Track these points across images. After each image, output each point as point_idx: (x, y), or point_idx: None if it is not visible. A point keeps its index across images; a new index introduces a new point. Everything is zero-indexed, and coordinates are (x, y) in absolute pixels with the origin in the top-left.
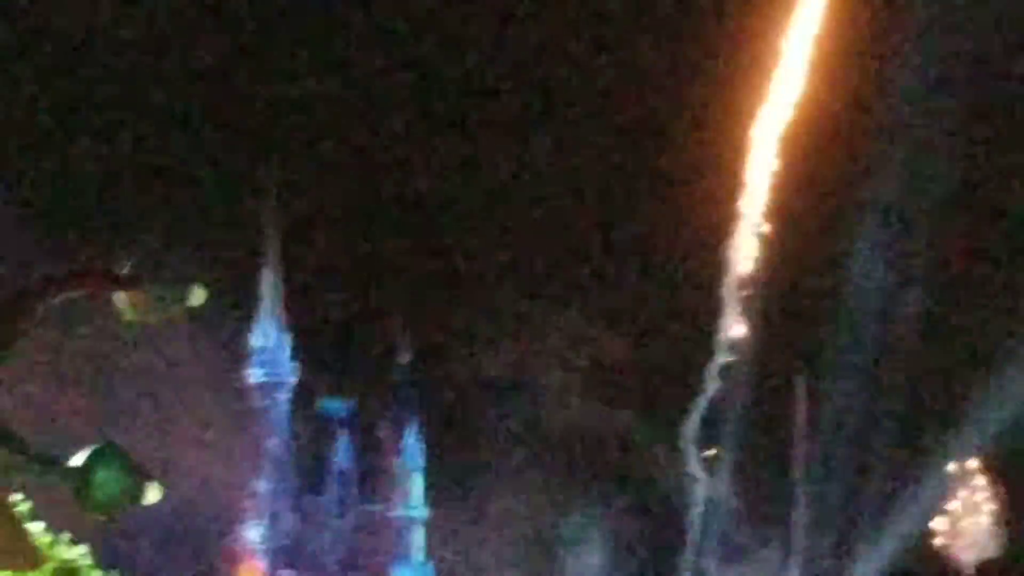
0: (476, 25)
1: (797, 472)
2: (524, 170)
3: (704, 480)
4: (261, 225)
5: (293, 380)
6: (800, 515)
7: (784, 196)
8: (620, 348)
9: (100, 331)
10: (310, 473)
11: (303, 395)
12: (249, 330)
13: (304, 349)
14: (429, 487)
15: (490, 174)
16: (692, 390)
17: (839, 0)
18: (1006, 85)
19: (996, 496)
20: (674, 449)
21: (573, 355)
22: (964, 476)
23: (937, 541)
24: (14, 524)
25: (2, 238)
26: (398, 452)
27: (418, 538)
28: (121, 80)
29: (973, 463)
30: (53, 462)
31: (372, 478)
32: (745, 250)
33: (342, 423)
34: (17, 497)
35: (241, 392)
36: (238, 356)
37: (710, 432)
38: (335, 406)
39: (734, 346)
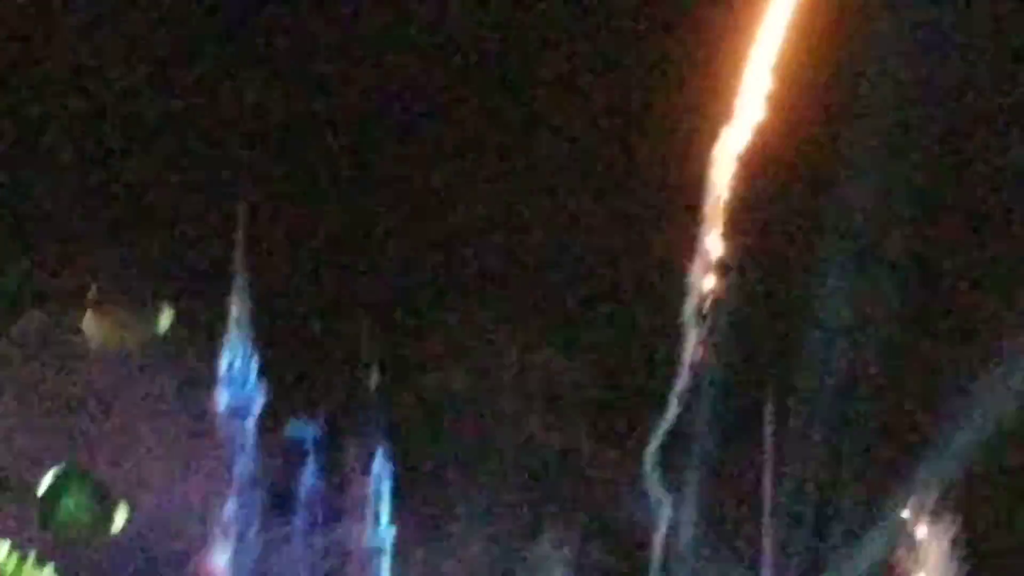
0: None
1: (764, 498)
2: (488, 195)
3: (668, 506)
4: (229, 248)
5: (260, 403)
6: (767, 542)
7: (747, 218)
8: (583, 371)
9: (66, 353)
10: (277, 497)
11: (270, 418)
12: (216, 353)
13: (271, 372)
14: (396, 511)
15: (455, 199)
16: (655, 414)
17: (805, 23)
18: (980, 103)
19: (961, 525)
20: (637, 474)
21: (536, 378)
22: (930, 505)
23: (901, 569)
24: None
25: None
26: (366, 476)
27: (385, 562)
28: (87, 97)
29: (939, 491)
30: (23, 487)
31: (340, 502)
32: (709, 272)
33: (309, 447)
34: None
35: (208, 415)
36: (205, 379)
37: (674, 457)
38: (302, 430)
39: (698, 370)
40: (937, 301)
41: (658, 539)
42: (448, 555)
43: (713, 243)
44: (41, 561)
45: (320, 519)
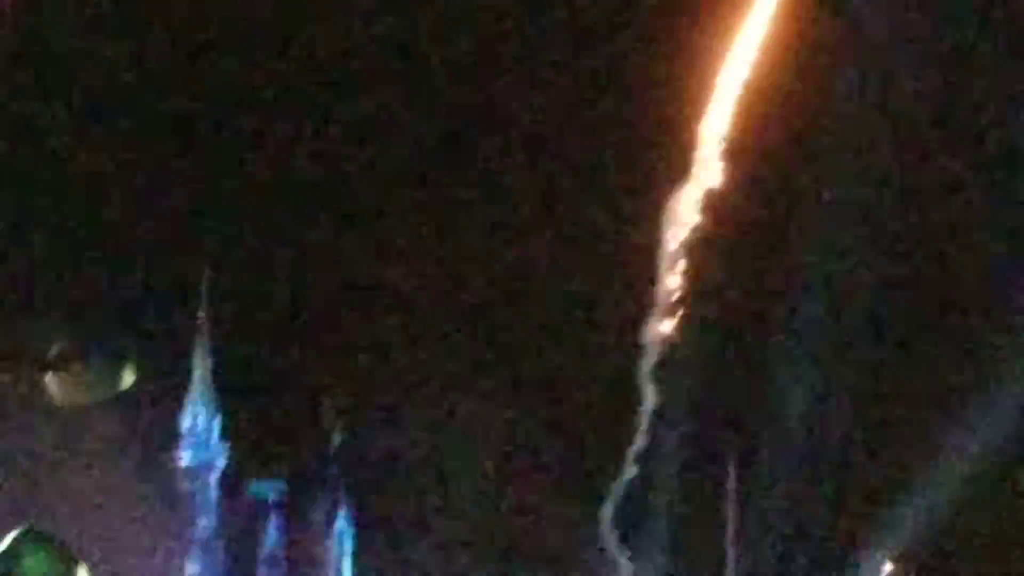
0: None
1: (728, 557)
2: (442, 251)
3: (627, 563)
4: (192, 306)
5: (223, 462)
6: None
7: (706, 266)
8: (540, 427)
9: (26, 411)
10: (240, 556)
11: (233, 477)
12: (178, 411)
13: (234, 430)
14: (358, 570)
15: (410, 258)
16: (613, 470)
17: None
18: (956, 116)
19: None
20: (595, 531)
21: (493, 435)
22: (899, 557)
23: None
24: None
25: None
26: (328, 536)
27: None
28: (45, 149)
29: (909, 544)
30: None
31: (302, 561)
32: (668, 323)
33: (272, 506)
34: None
35: (170, 473)
36: (167, 437)
37: (633, 514)
38: (265, 488)
39: (658, 425)
40: (905, 353)
41: None
42: None
43: (672, 293)
44: None
45: None
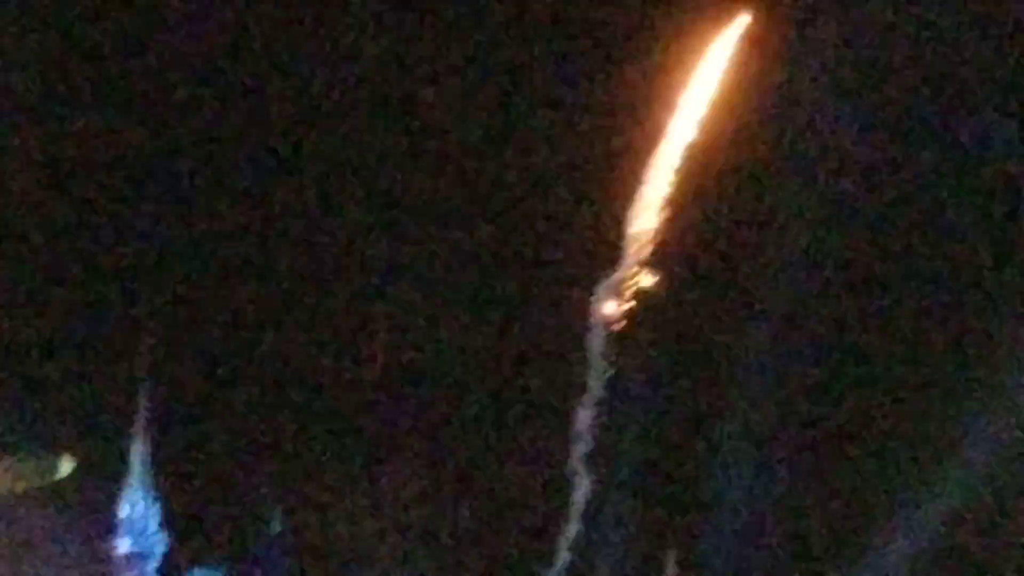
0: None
1: None
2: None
3: None
4: (131, 394)
5: (162, 550)
6: None
7: (633, 363)
8: (470, 516)
9: None
10: None
11: (172, 566)
12: (117, 499)
13: (174, 518)
14: None
15: (344, 341)
16: (543, 565)
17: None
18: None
19: None
20: None
21: (419, 522)
22: None
23: None
24: None
25: None
26: None
27: None
28: None
29: None
30: None
31: None
32: (598, 411)
33: None
34: None
35: (109, 562)
36: (105, 525)
37: None
38: None
39: (590, 515)
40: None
41: None
42: None
43: (601, 379)
44: None
45: None
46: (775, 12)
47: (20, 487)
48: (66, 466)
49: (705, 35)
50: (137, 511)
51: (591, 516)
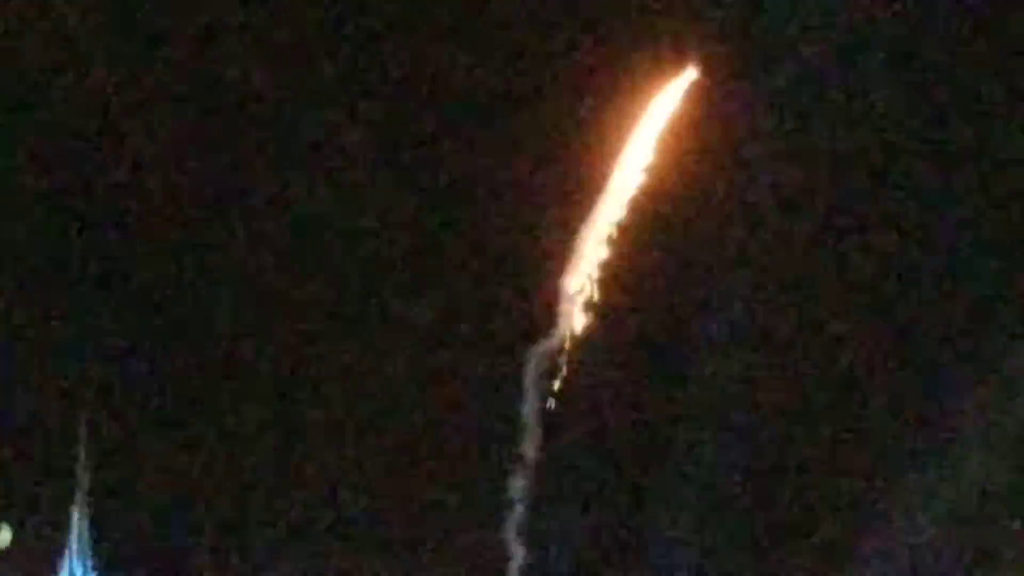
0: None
1: None
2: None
3: None
4: (70, 465)
5: None
6: None
7: (569, 431)
8: None
9: None
10: None
11: None
12: (56, 569)
13: None
14: None
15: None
16: None
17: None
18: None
19: None
20: None
21: None
22: None
23: None
24: None
25: None
26: None
27: None
28: None
29: None
30: None
31: None
32: (532, 483)
33: None
34: None
35: None
36: None
37: None
38: None
39: None
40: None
41: None
42: None
43: (535, 447)
44: None
45: None
46: (723, 67)
47: None
48: (3, 536)
49: (648, 92)
50: None
51: None
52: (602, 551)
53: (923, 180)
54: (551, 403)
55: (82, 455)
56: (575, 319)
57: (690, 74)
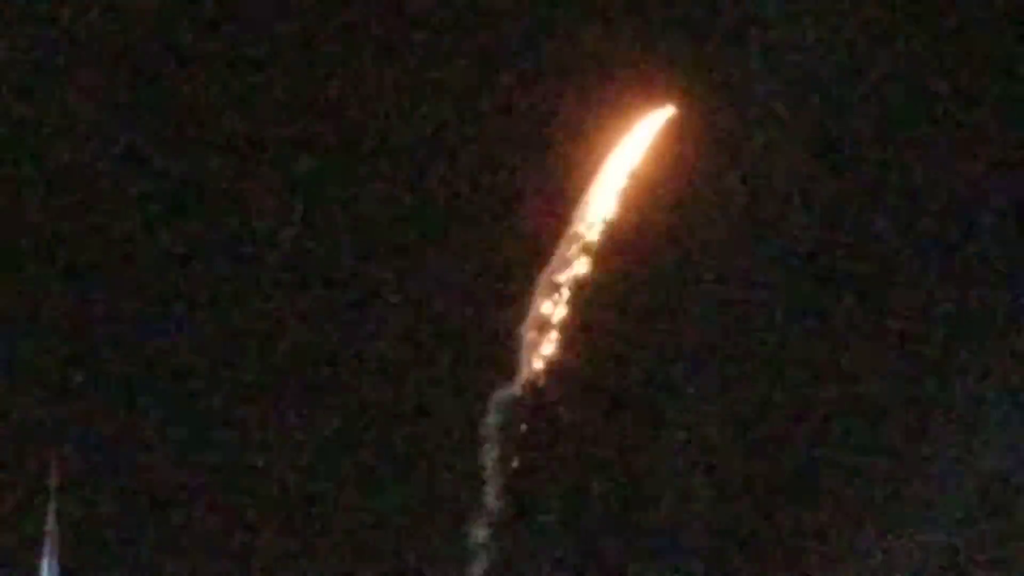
0: None
1: None
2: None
3: None
4: (42, 516)
5: None
6: None
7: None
8: None
9: None
10: None
11: None
12: None
13: None
14: None
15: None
16: None
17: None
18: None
19: None
20: None
21: None
22: None
23: None
24: None
25: None
26: None
27: None
28: None
29: None
30: None
31: None
32: (495, 531)
33: None
34: None
35: None
36: None
37: None
38: None
39: None
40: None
41: None
42: None
43: (496, 495)
44: None
45: None
46: (699, 104)
47: None
48: None
49: (620, 130)
50: None
51: None
52: None
53: (898, 210)
54: (512, 453)
55: (53, 511)
56: (534, 366)
57: (666, 109)
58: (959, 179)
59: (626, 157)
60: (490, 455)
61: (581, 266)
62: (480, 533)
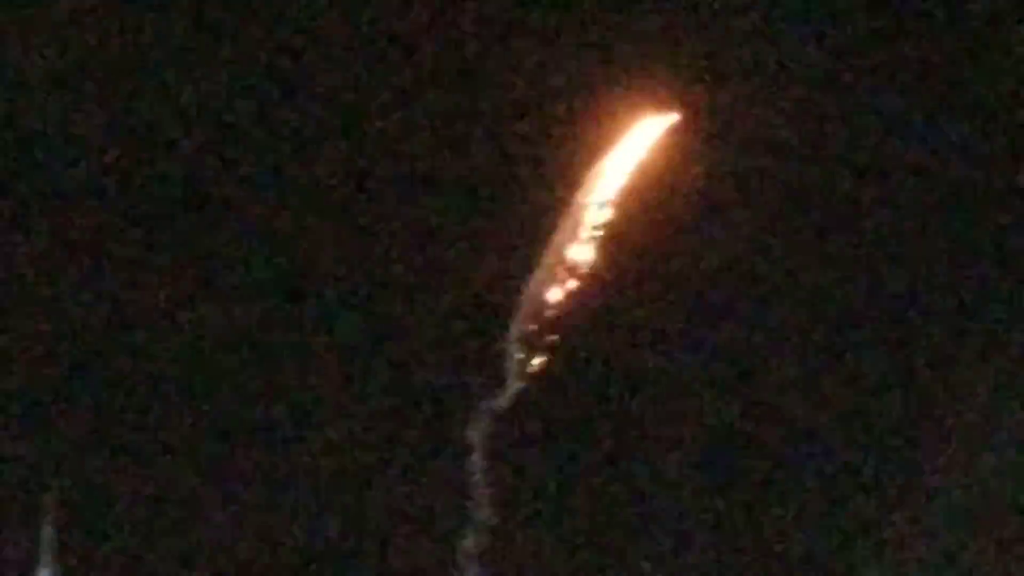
0: None
1: None
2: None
3: None
4: (34, 533)
5: None
6: None
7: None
8: None
9: None
10: None
11: None
12: None
13: None
14: None
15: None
16: None
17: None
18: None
19: None
20: None
21: None
22: None
23: None
24: None
25: None
26: None
27: None
28: None
29: None
30: None
31: None
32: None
33: None
34: None
35: None
36: None
37: None
38: None
39: None
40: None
41: None
42: None
43: (484, 505)
44: None
45: None
46: (702, 112)
47: None
48: None
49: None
50: None
51: None
52: None
53: (899, 218)
54: (501, 462)
55: (49, 527)
56: (520, 377)
57: (668, 115)
58: (963, 179)
59: (621, 169)
60: (478, 465)
61: (570, 277)
62: (469, 543)
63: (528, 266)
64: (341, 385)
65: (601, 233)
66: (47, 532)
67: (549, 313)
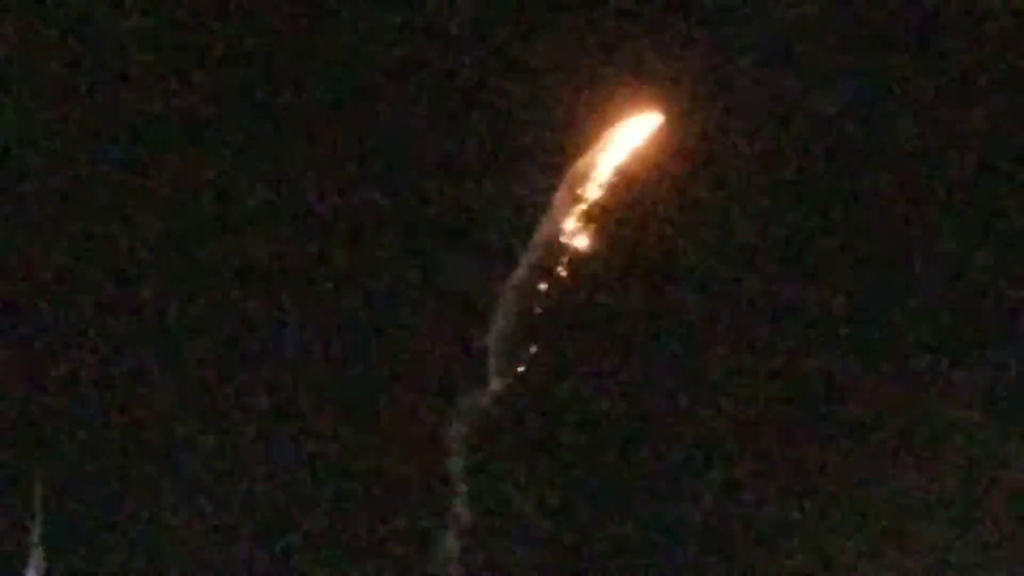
0: None
1: None
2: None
3: None
4: (23, 535)
5: None
6: None
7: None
8: None
9: None
10: None
11: None
12: None
13: None
14: None
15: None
16: None
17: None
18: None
19: None
20: None
21: None
22: None
23: None
24: None
25: None
26: None
27: None
28: None
29: None
30: None
31: None
32: (466, 542)
33: None
34: None
35: None
36: None
37: None
38: None
39: None
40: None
41: None
42: None
43: (464, 503)
44: None
45: None
46: (688, 116)
47: None
48: None
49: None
50: None
51: None
52: None
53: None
54: (481, 461)
55: (37, 519)
56: (500, 373)
57: (652, 116)
58: (954, 176)
59: (608, 168)
60: (458, 464)
61: (553, 272)
62: (450, 543)
63: (510, 264)
64: (321, 383)
65: (587, 232)
66: (36, 525)
67: (532, 312)
